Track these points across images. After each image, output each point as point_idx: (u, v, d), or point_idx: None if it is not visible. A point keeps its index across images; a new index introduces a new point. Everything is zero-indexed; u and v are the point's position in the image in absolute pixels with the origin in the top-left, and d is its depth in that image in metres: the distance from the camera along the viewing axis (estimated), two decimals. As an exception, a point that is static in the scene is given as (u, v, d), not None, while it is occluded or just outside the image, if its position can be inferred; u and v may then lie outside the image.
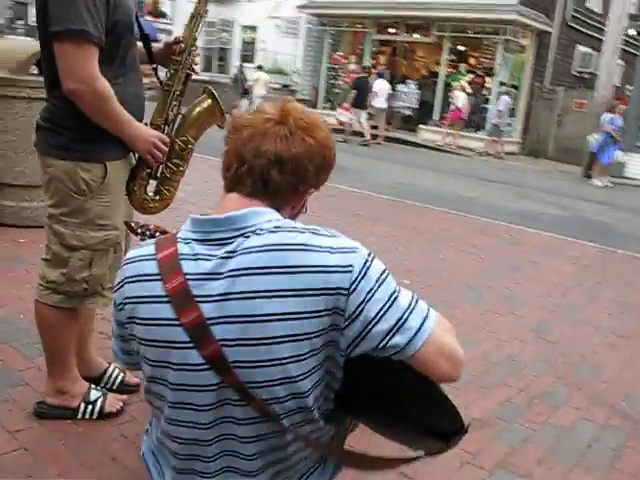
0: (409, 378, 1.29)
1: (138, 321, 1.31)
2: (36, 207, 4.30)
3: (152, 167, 2.13)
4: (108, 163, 2.02)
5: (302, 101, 19.40)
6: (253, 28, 22.65)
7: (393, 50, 19.69)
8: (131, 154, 2.12)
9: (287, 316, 1.19)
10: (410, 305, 1.27)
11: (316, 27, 20.26)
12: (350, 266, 1.21)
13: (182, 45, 2.15)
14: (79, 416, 2.23)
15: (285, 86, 20.35)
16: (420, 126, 17.50)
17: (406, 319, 1.24)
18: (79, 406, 2.23)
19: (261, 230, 1.25)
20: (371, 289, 1.22)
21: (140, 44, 2.18)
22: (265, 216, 1.29)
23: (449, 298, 4.11)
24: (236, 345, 1.22)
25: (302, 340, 1.21)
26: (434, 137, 16.59)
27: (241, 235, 1.25)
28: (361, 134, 15.13)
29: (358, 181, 8.83)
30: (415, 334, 1.24)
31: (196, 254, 1.27)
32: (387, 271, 1.28)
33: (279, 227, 1.26)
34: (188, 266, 1.26)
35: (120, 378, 2.47)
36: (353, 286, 1.20)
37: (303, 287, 1.19)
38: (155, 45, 2.26)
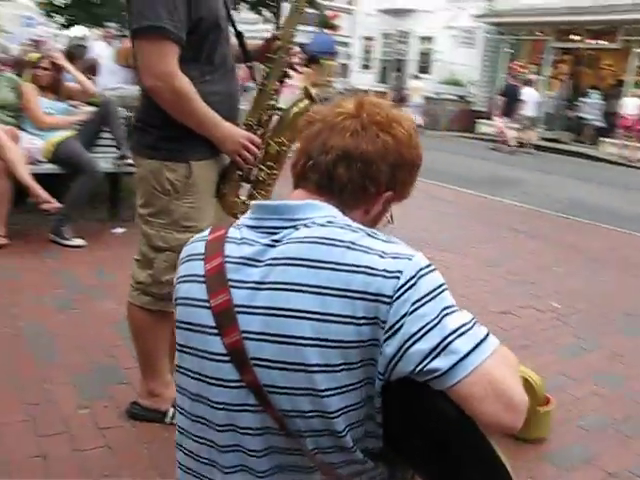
0: (455, 418, 1.05)
1: (177, 301, 1.25)
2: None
3: (243, 169, 2.05)
4: (193, 163, 1.97)
5: (478, 112, 19.05)
6: (429, 39, 22.58)
7: (576, 58, 18.47)
8: (223, 155, 2.06)
9: (318, 316, 1.05)
10: (463, 326, 1.04)
11: (493, 36, 19.76)
12: (398, 272, 1.04)
13: (279, 42, 2.06)
14: (167, 420, 2.22)
15: (461, 97, 20.00)
16: (601, 139, 16.15)
17: (452, 340, 1.02)
18: (168, 410, 2.22)
19: (313, 223, 1.13)
20: (418, 300, 1.03)
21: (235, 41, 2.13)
22: (323, 211, 1.17)
23: (601, 326, 3.64)
24: (259, 340, 1.09)
25: (333, 347, 1.04)
26: (618, 151, 15.21)
27: (292, 226, 1.15)
28: (520, 143, 14.83)
29: (524, 194, 8.35)
30: (461, 359, 1.01)
31: (242, 238, 1.18)
32: (445, 287, 1.07)
33: (331, 222, 1.14)
34: (231, 249, 1.17)
35: None
36: (397, 294, 1.03)
37: (340, 286, 1.04)
38: (252, 42, 2.20)
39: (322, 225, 1.13)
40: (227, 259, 1.16)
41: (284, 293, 1.07)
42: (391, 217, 1.31)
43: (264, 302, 1.09)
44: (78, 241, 4.28)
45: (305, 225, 1.14)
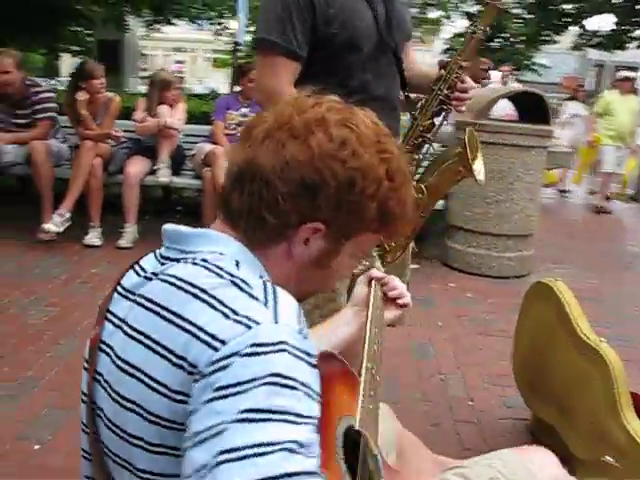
0: None
1: None
2: (482, 255, 4.48)
3: None
4: None
5: None
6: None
7: None
8: None
9: (145, 378, 0.80)
10: (256, 447, 0.67)
11: None
12: (222, 341, 0.74)
13: (443, 71, 1.78)
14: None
15: None
16: None
17: (221, 462, 0.67)
18: None
19: (194, 259, 0.88)
20: (222, 388, 0.71)
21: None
22: (217, 245, 0.91)
23: None
24: (103, 388, 0.88)
25: (151, 422, 0.80)
26: None
27: (177, 259, 0.91)
28: None
29: None
30: None
31: (141, 265, 0.96)
32: (286, 382, 0.71)
33: (205, 260, 0.87)
34: (127, 276, 0.96)
35: None
36: (208, 371, 0.74)
37: (166, 345, 0.80)
38: (416, 67, 1.95)
39: (194, 263, 0.87)
40: (118, 287, 0.95)
41: (129, 341, 0.85)
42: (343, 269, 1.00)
43: (116, 345, 0.88)
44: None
45: (186, 260, 0.89)
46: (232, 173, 0.92)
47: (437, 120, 1.80)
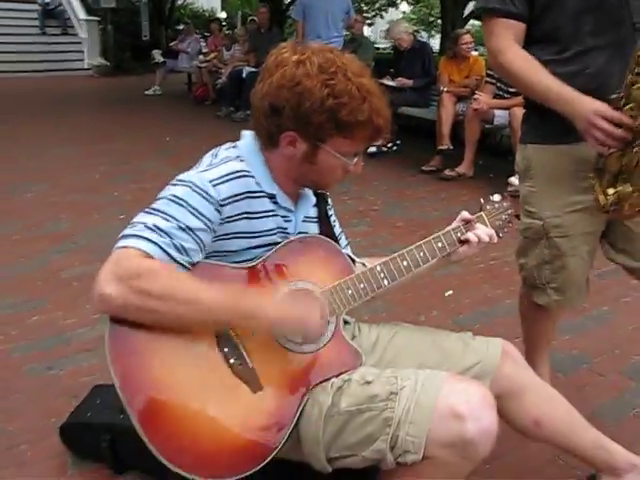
0: None
1: None
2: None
3: (603, 154, 1.67)
4: (529, 146, 1.90)
5: None
6: None
7: None
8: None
9: None
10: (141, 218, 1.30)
11: None
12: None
13: None
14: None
15: None
16: None
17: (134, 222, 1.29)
18: None
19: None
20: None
21: None
22: (242, 139, 1.48)
23: None
24: None
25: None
26: None
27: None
28: None
29: None
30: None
31: None
32: (180, 193, 1.30)
33: (222, 145, 1.49)
34: None
35: None
36: None
37: None
38: None
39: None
40: None
41: None
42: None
43: None
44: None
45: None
46: None
47: None
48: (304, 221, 1.52)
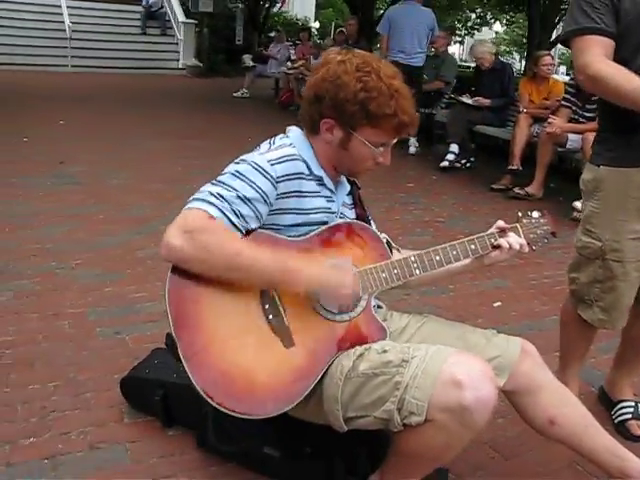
0: None
1: None
2: None
3: None
4: (602, 167, 1.93)
5: None
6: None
7: None
8: None
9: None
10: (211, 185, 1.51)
11: None
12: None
13: None
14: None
15: None
16: None
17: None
18: None
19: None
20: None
21: None
22: (294, 129, 1.69)
23: None
24: None
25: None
26: None
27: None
28: None
29: None
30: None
31: None
32: (246, 170, 1.51)
33: (278, 134, 1.70)
34: None
35: (624, 418, 2.22)
36: None
37: None
38: None
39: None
40: None
41: None
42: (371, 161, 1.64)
43: None
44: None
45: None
46: None
47: None
48: (343, 205, 1.71)
